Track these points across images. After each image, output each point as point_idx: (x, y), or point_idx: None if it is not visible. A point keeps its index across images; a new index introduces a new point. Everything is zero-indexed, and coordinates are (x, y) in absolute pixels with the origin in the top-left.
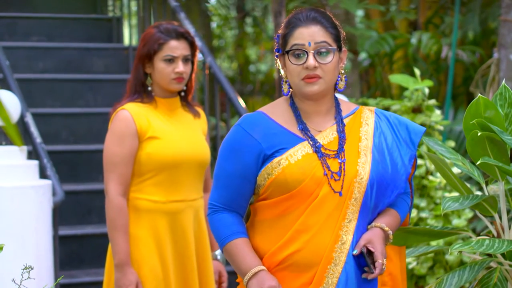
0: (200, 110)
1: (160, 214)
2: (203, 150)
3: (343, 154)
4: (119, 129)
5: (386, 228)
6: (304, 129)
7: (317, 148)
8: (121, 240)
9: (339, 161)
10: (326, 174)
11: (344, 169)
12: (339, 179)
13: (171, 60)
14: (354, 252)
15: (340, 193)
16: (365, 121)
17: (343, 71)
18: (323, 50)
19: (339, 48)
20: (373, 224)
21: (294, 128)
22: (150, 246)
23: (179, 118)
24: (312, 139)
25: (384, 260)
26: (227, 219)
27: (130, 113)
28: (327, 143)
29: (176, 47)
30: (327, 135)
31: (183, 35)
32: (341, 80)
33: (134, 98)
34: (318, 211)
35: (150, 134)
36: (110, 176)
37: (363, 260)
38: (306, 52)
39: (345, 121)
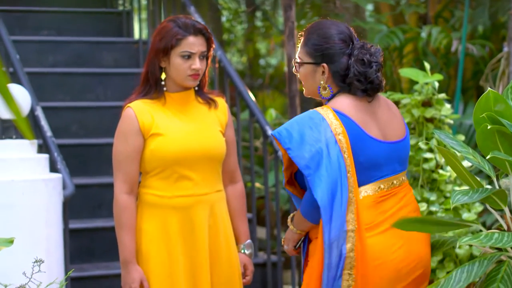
0: (219, 99)
1: (169, 209)
2: (214, 144)
3: None
4: (123, 127)
5: None
6: None
7: None
8: (126, 238)
9: None
10: None
11: None
12: None
13: (188, 56)
14: None
15: None
16: None
17: None
18: None
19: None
20: None
21: None
22: (158, 240)
23: (190, 113)
24: None
25: None
26: None
27: (134, 111)
28: None
29: (194, 43)
30: None
31: (201, 31)
32: None
33: (144, 93)
34: None
35: (154, 131)
36: (116, 174)
37: None
38: None
39: None
